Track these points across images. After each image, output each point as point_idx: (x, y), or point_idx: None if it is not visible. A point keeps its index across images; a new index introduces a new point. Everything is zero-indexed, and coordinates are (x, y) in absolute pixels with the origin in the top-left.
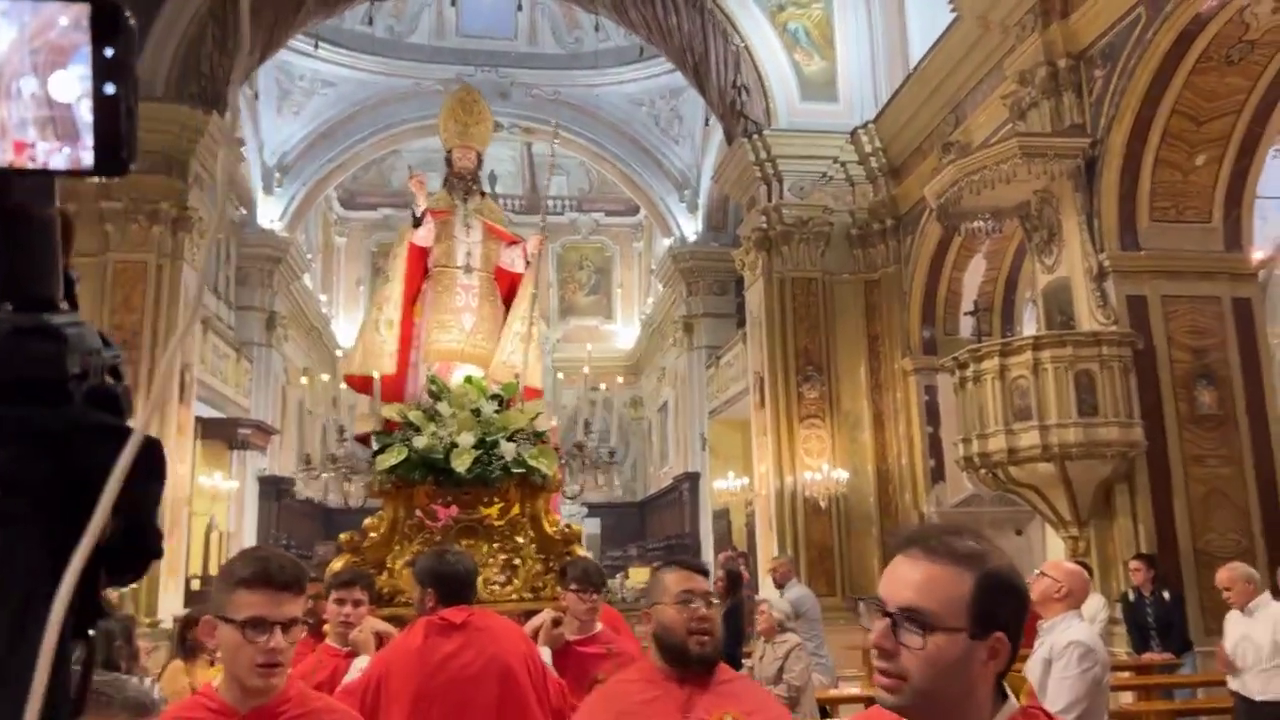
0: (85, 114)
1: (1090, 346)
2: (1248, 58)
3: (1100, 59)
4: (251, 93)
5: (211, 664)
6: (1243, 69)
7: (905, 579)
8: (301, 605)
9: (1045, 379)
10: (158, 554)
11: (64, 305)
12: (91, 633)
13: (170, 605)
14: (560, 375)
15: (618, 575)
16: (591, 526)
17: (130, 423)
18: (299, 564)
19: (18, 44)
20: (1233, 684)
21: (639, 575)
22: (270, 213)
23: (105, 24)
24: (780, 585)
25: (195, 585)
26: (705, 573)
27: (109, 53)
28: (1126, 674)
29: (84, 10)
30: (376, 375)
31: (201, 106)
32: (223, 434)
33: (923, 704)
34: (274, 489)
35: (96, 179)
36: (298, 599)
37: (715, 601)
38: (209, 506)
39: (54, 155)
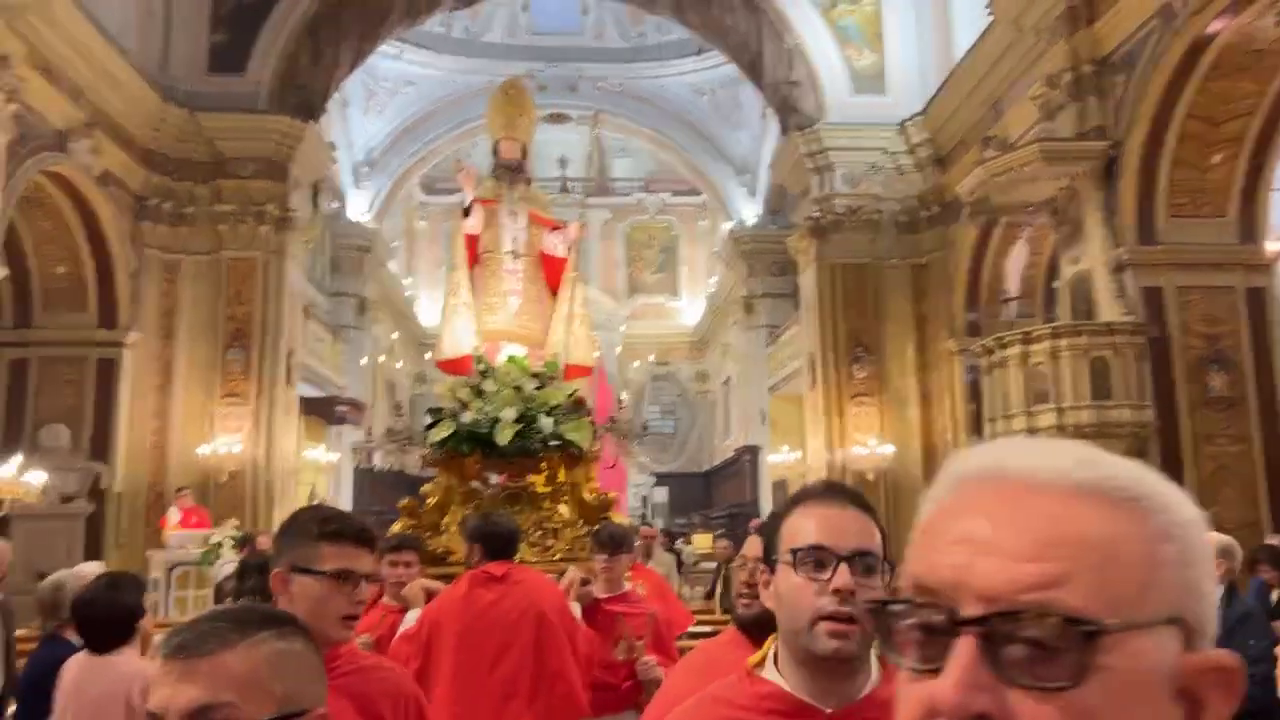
0: None
1: (1105, 335)
2: (1257, 65)
3: (1121, 65)
4: (341, 99)
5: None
6: (1254, 74)
7: (850, 526)
8: (373, 563)
9: (1062, 365)
10: None
11: None
12: None
13: None
14: (617, 348)
15: (678, 540)
16: (660, 495)
17: None
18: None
19: None
20: None
21: (702, 541)
22: (359, 205)
23: None
24: None
25: None
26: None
27: None
28: None
29: None
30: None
31: (299, 116)
32: (322, 411)
33: (863, 650)
34: (366, 459)
35: None
36: (372, 555)
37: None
38: (312, 477)
39: None
